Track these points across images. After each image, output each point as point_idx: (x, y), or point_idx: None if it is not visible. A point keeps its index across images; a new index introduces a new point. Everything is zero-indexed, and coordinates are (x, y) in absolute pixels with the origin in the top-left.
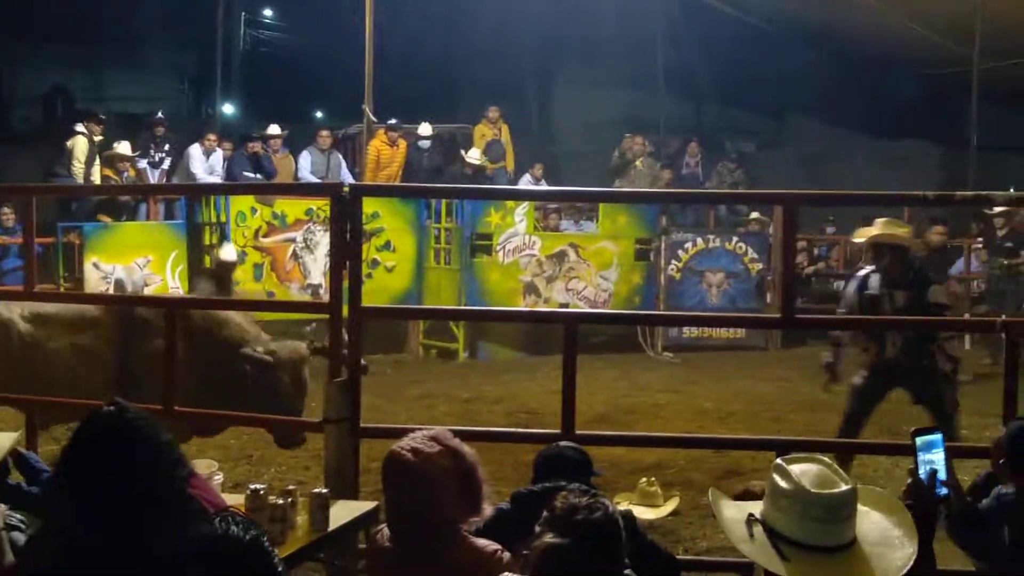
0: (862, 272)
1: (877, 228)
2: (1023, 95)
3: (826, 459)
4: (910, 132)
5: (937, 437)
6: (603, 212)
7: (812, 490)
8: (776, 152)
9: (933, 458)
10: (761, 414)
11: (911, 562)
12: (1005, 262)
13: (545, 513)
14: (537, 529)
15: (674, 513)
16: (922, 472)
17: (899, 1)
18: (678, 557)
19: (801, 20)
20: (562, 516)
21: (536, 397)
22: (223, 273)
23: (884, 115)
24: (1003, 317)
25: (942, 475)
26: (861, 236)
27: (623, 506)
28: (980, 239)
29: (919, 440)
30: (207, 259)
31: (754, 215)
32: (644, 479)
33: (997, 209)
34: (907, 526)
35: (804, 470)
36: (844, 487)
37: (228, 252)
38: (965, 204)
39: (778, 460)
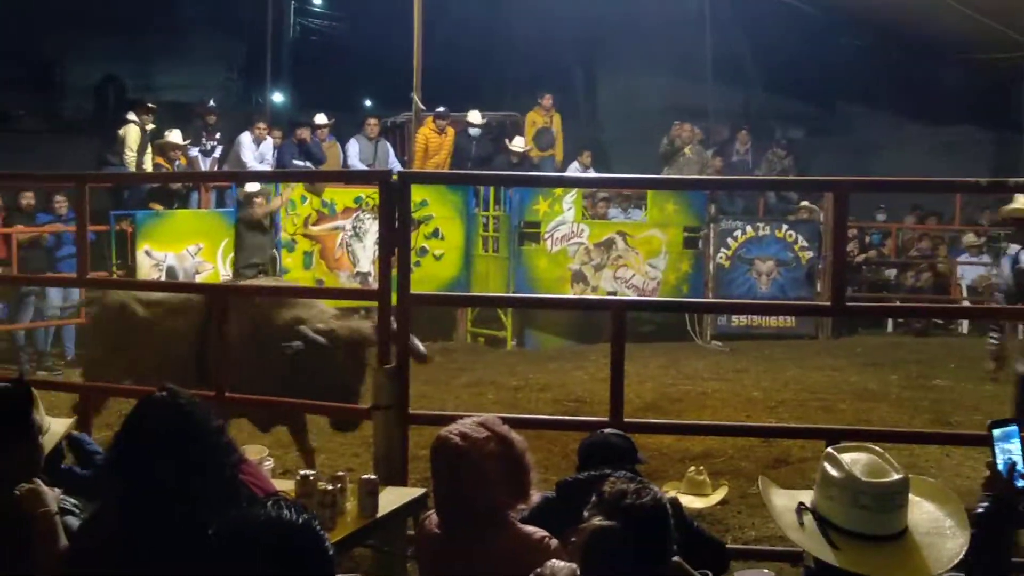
0: (1013, 250)
1: (1018, 202)
2: None
3: (877, 448)
4: (961, 119)
5: (1014, 428)
6: (651, 200)
7: (863, 479)
8: (825, 139)
9: (1011, 449)
10: (810, 403)
11: (963, 552)
12: None
13: (593, 497)
14: (585, 513)
15: (723, 502)
16: (1000, 463)
17: None
18: (727, 546)
19: (849, 6)
20: (611, 500)
21: (583, 385)
22: (254, 211)
23: (934, 101)
24: None
25: (1021, 466)
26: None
27: (671, 495)
28: None
29: (996, 432)
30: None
31: (804, 203)
32: (693, 468)
33: None
34: (959, 516)
35: (855, 459)
36: (895, 476)
37: (251, 186)
38: (1018, 191)
39: (829, 449)
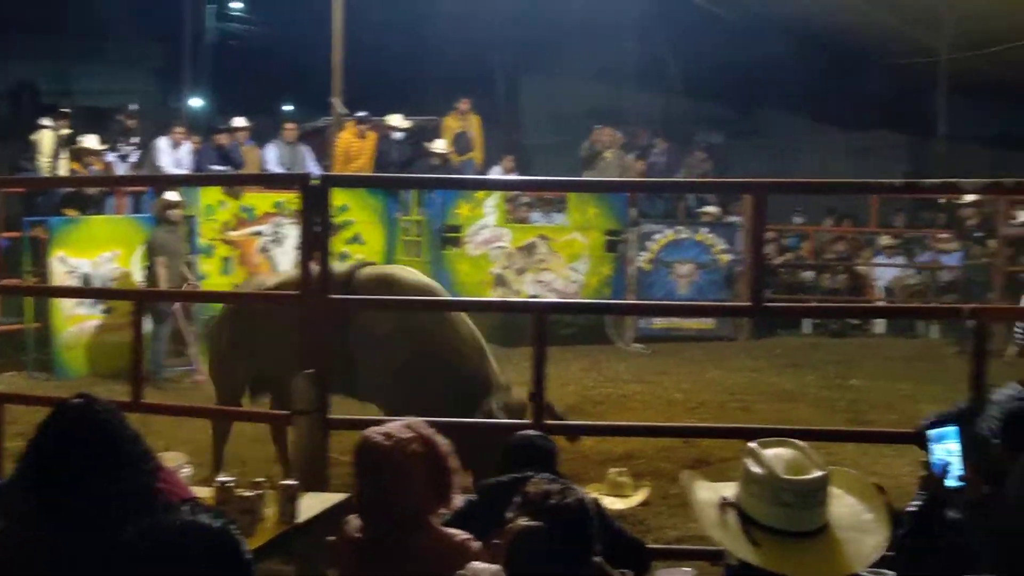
0: None
1: None
2: (989, 86)
3: (800, 443)
4: (878, 123)
5: (951, 430)
6: (573, 204)
7: (783, 475)
8: (745, 143)
9: (946, 450)
10: (730, 404)
11: (882, 548)
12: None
13: (518, 498)
14: (509, 515)
15: (644, 503)
16: (935, 464)
17: None
18: (648, 546)
19: (769, 11)
20: (535, 501)
21: None
22: (170, 216)
23: (852, 106)
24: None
25: (956, 467)
26: None
27: (593, 496)
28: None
29: (932, 433)
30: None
31: (708, 208)
32: (614, 469)
33: (967, 198)
34: (879, 511)
35: (777, 455)
36: (816, 473)
37: (171, 194)
38: (933, 192)
39: (751, 444)
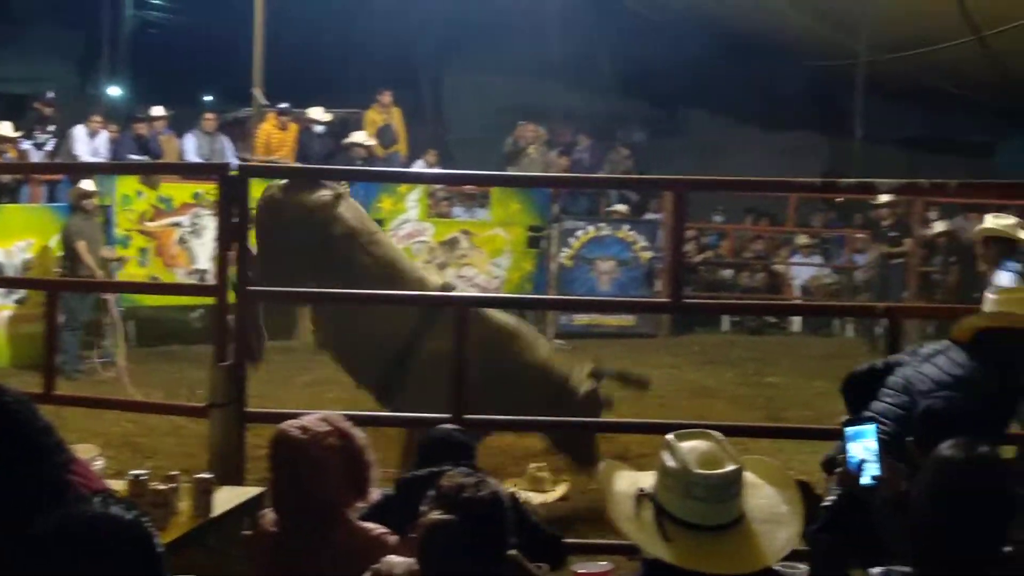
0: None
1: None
2: (906, 88)
3: (718, 435)
4: (798, 124)
5: (867, 428)
6: (495, 199)
7: (695, 470)
8: (668, 142)
9: (861, 447)
10: (649, 399)
11: (794, 541)
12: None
13: (431, 492)
14: (423, 508)
15: (563, 498)
16: (851, 460)
17: None
18: (565, 540)
19: (694, 11)
20: (449, 494)
21: None
22: (85, 206)
23: (773, 107)
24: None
25: (872, 464)
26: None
27: (512, 490)
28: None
29: (848, 430)
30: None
31: (617, 206)
32: (534, 465)
33: (882, 199)
34: (795, 503)
35: (692, 448)
36: (729, 467)
37: (87, 183)
38: (850, 192)
39: (669, 436)
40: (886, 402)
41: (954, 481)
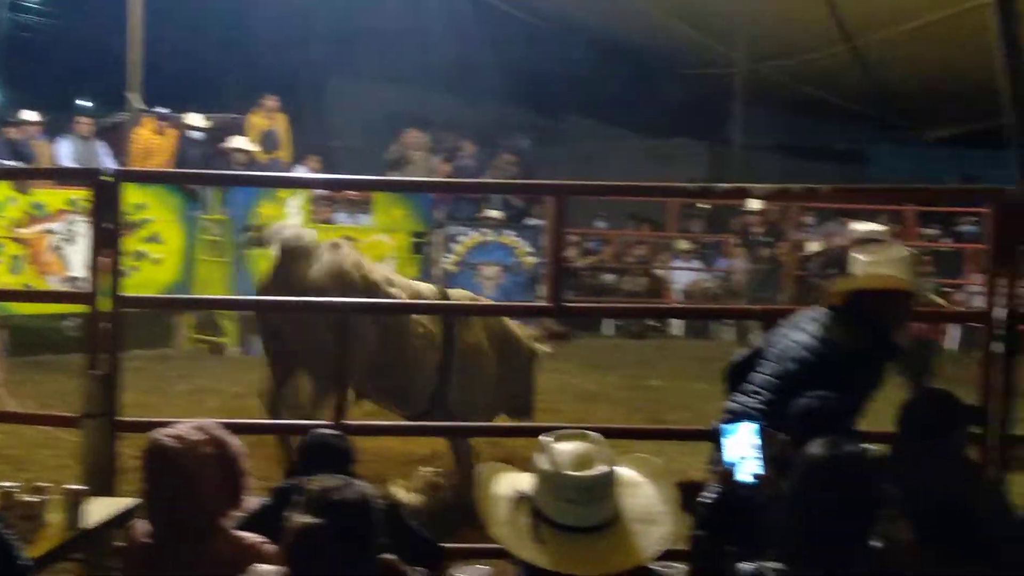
0: None
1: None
2: (782, 96)
3: (595, 436)
4: (679, 131)
5: (746, 425)
6: (378, 205)
7: (566, 472)
8: (552, 149)
9: (738, 445)
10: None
11: (669, 540)
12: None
13: (298, 497)
14: (289, 513)
15: (451, 502)
16: (727, 459)
17: (669, 3)
18: (446, 544)
19: (576, 20)
20: (315, 497)
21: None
22: None
23: (654, 114)
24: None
25: (753, 464)
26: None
27: (399, 496)
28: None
29: (726, 427)
30: None
31: (491, 212)
32: (421, 469)
33: (753, 205)
34: (671, 502)
35: (565, 449)
36: (600, 469)
37: None
38: (725, 197)
39: (545, 436)
40: (763, 373)
41: (819, 479)
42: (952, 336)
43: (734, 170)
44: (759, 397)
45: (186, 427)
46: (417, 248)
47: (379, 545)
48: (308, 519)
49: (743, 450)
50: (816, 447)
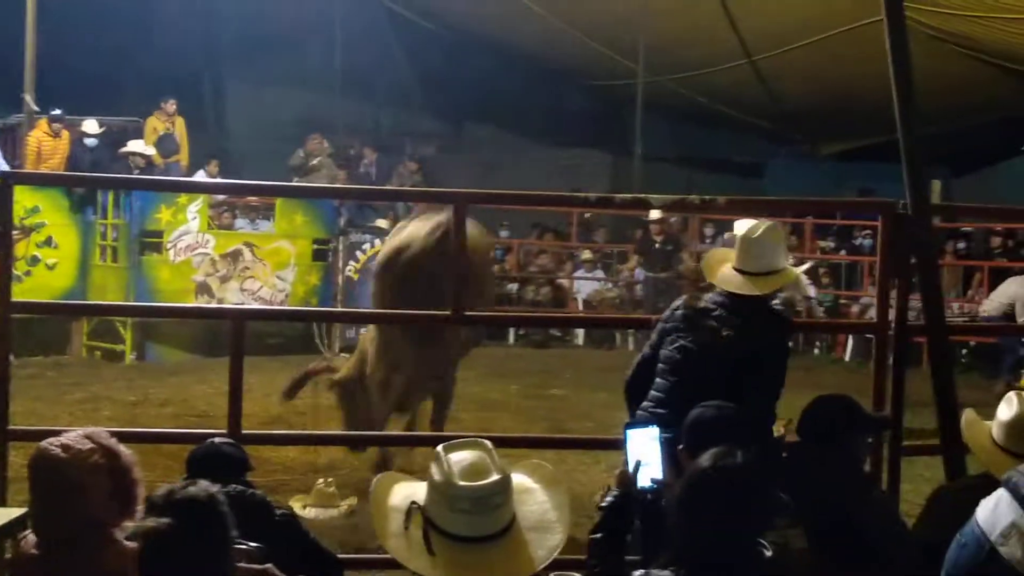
0: None
1: None
2: (682, 108)
3: (488, 444)
4: (581, 141)
5: (651, 432)
6: (280, 211)
7: (459, 482)
8: (455, 157)
9: (644, 451)
10: None
11: (558, 549)
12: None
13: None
14: (138, 521)
15: (351, 513)
16: (629, 462)
17: (571, 15)
18: (345, 556)
19: (481, 29)
20: (160, 499)
21: (207, 399)
22: None
23: (558, 124)
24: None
25: (654, 468)
26: None
27: (298, 508)
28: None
29: (629, 432)
30: None
31: (380, 222)
32: (321, 480)
33: (653, 215)
34: (563, 509)
35: (459, 459)
36: (493, 478)
37: None
38: (624, 207)
39: (439, 447)
40: (663, 379)
41: (703, 491)
42: (849, 347)
43: (636, 181)
44: (659, 403)
45: (74, 436)
46: (319, 255)
47: (230, 546)
48: (155, 522)
49: (643, 454)
50: (704, 458)
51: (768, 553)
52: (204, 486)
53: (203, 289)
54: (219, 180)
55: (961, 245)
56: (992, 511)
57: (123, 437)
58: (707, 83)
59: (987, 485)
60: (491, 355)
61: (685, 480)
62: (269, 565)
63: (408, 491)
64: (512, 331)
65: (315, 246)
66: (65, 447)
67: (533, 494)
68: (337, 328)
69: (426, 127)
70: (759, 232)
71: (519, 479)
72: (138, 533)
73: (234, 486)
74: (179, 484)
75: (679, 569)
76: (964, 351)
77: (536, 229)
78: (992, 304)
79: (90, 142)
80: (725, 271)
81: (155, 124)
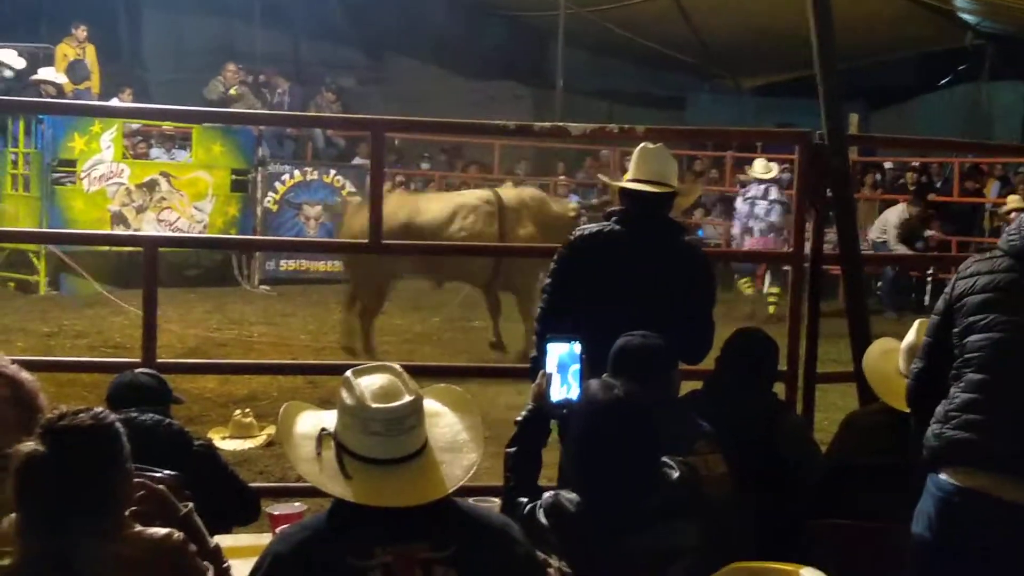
0: None
1: None
2: (606, 42)
3: (397, 367)
4: (502, 74)
5: (568, 345)
6: (197, 140)
7: (371, 404)
8: (375, 89)
9: (561, 364)
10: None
11: (472, 469)
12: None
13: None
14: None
15: (269, 444)
16: (544, 376)
17: None
18: (264, 485)
19: None
20: (46, 424)
21: (122, 331)
22: None
23: (479, 57)
24: None
25: (570, 384)
26: None
27: (216, 439)
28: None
29: (550, 346)
30: None
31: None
32: (238, 411)
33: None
34: (476, 430)
35: (369, 383)
36: (405, 399)
37: None
38: (544, 135)
39: (348, 372)
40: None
41: (587, 419)
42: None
43: (558, 114)
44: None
45: None
46: (238, 186)
47: (120, 476)
48: (28, 447)
49: (561, 368)
50: (593, 387)
51: (675, 475)
52: (97, 415)
53: (119, 219)
54: (131, 105)
55: (878, 177)
56: None
57: (38, 367)
58: (629, 16)
59: (896, 411)
60: (414, 288)
61: (574, 410)
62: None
63: (315, 419)
64: None
65: (234, 176)
66: None
67: (443, 416)
68: (258, 259)
69: (346, 58)
70: (655, 146)
71: (429, 403)
72: (13, 457)
73: (151, 415)
74: (72, 410)
75: (583, 493)
76: (878, 283)
77: (460, 161)
78: (873, 234)
79: (7, 74)
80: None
81: (65, 51)
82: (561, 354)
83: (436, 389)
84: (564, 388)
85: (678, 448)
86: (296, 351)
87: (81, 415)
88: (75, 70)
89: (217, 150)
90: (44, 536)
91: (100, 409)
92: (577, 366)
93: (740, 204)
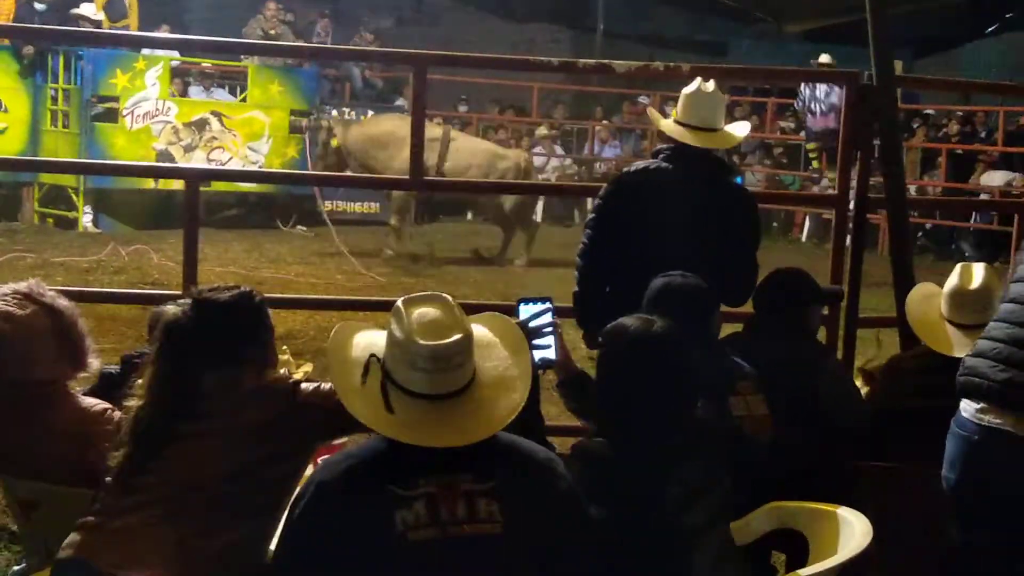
0: None
1: None
2: None
3: (449, 299)
4: (541, 16)
5: (542, 306)
6: (253, 80)
7: (420, 341)
8: (413, 30)
9: (536, 324)
10: (392, 286)
11: (519, 408)
12: None
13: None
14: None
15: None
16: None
17: None
18: None
19: None
20: (194, 293)
21: (160, 268)
22: None
23: None
24: None
25: (548, 343)
26: None
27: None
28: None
29: (522, 307)
30: None
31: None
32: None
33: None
34: (524, 367)
35: (420, 315)
36: (455, 336)
37: None
38: (588, 71)
39: (399, 301)
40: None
41: (629, 351)
42: (805, 228)
43: (597, 58)
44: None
45: (12, 298)
46: (297, 128)
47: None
48: (175, 310)
49: (535, 329)
50: (630, 321)
51: (707, 417)
52: (243, 291)
53: (164, 158)
54: (177, 36)
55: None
56: None
57: (77, 298)
58: None
59: (939, 355)
60: (449, 231)
61: (606, 346)
62: None
63: (368, 340)
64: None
65: (292, 118)
66: (7, 316)
67: (493, 349)
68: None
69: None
70: (709, 87)
71: (480, 331)
72: (157, 314)
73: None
74: (222, 285)
75: (611, 436)
76: (920, 233)
77: (497, 104)
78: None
79: (39, 6)
80: (669, 123)
81: None
82: (535, 315)
83: (486, 317)
84: (540, 350)
85: (718, 388)
86: (332, 290)
87: (221, 290)
88: (113, 7)
89: (275, 90)
90: (177, 384)
91: (247, 287)
92: (550, 327)
93: (803, 88)
